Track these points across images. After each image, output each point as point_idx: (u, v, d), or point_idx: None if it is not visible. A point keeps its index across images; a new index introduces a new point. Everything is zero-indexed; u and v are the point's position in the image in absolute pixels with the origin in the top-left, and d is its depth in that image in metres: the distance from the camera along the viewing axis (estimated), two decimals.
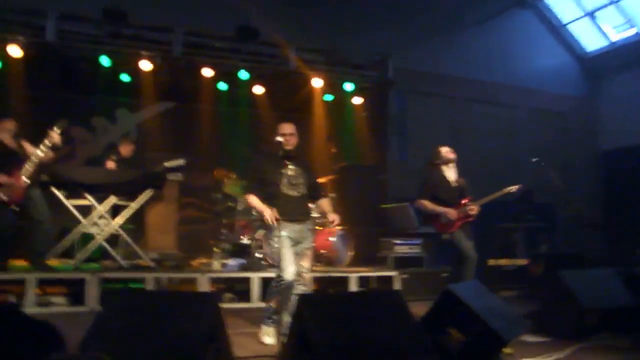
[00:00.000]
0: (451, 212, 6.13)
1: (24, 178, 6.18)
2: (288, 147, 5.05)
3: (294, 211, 4.98)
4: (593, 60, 13.33)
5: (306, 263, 5.06)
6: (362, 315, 3.14)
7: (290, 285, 4.80)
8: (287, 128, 5.11)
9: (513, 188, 6.23)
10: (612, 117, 12.81)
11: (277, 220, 4.86)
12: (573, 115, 13.19)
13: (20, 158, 6.28)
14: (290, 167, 5.05)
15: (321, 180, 8.22)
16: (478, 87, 12.09)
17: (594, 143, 13.20)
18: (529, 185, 9.69)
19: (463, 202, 6.21)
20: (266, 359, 4.01)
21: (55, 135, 6.26)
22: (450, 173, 6.41)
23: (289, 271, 4.77)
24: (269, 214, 4.83)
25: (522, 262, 8.26)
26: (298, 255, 4.98)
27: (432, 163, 6.46)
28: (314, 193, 5.25)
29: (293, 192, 5.01)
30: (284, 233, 4.89)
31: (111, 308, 3.07)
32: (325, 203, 5.32)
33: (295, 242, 4.98)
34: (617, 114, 12.58)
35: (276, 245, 4.92)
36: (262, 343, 4.78)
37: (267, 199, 4.99)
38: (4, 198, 6.11)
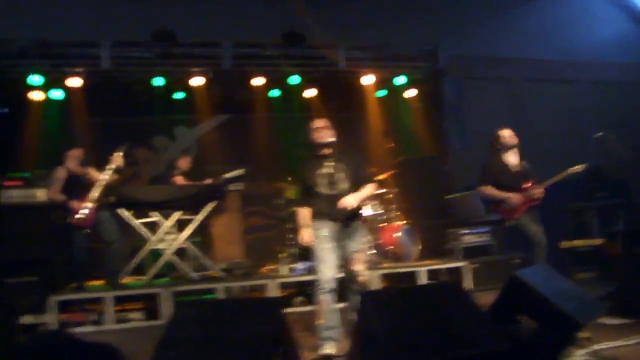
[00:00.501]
0: (514, 197, 5.96)
1: (92, 202, 6.44)
2: (323, 141, 4.76)
3: (333, 210, 4.66)
4: None
5: (359, 266, 4.71)
6: (426, 307, 3.09)
7: (331, 290, 4.54)
8: (319, 122, 4.86)
9: (578, 168, 6.00)
10: None
11: (318, 219, 4.72)
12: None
13: (87, 184, 6.57)
14: (326, 164, 4.76)
15: (381, 176, 8.24)
16: (536, 65, 11.73)
17: None
18: (598, 162, 9.36)
19: (526, 186, 6.02)
20: (335, 359, 4.00)
21: (117, 158, 6.52)
22: (512, 157, 6.23)
23: (328, 275, 4.54)
24: (304, 236, 4.72)
25: (597, 242, 7.94)
26: (347, 259, 4.72)
27: (493, 148, 6.29)
28: (361, 184, 4.85)
29: (331, 191, 4.72)
30: (323, 232, 4.67)
31: (178, 319, 3.14)
32: (366, 188, 4.86)
33: (339, 242, 4.73)
34: None
35: (316, 247, 4.69)
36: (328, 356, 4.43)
37: (309, 202, 4.83)
38: (77, 222, 6.38)
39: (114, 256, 6.75)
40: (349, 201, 4.64)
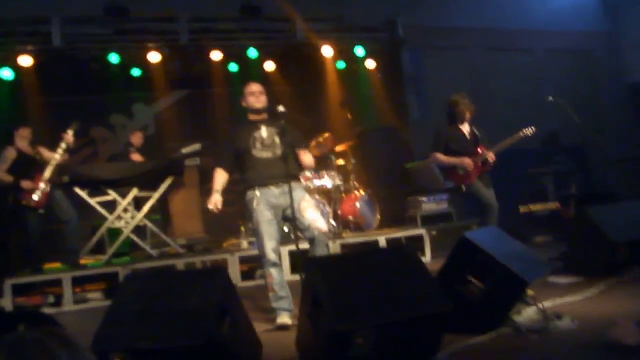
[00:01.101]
0: (466, 162, 5.99)
1: (45, 182, 6.32)
2: (257, 105, 4.67)
3: (267, 174, 4.55)
4: None
5: (309, 213, 4.54)
6: (371, 272, 3.12)
7: (274, 263, 4.45)
8: (254, 86, 4.74)
9: (527, 131, 6.02)
10: (636, 48, 12.38)
11: (252, 188, 4.58)
12: (596, 52, 12.80)
13: (39, 163, 6.45)
14: (263, 128, 4.66)
15: (340, 146, 8.27)
16: (494, 35, 11.79)
17: (620, 77, 12.79)
18: (554, 127, 9.53)
19: (479, 151, 6.06)
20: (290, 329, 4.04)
21: (68, 137, 6.40)
22: (465, 126, 6.25)
23: (269, 247, 4.44)
24: (211, 202, 4.61)
25: (553, 205, 8.11)
26: (295, 213, 4.46)
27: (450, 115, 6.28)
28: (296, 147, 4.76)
29: (266, 154, 4.59)
30: (260, 205, 4.52)
31: (124, 292, 3.13)
32: (301, 155, 4.76)
33: (280, 208, 4.59)
34: None
35: (255, 220, 4.54)
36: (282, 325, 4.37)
37: (241, 168, 4.70)
38: (30, 203, 6.27)
39: (71, 235, 6.66)
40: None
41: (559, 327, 3.52)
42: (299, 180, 4.91)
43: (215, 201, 4.63)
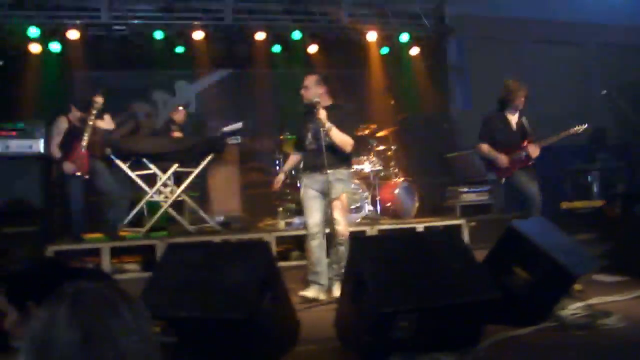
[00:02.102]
0: (502, 159, 5.88)
1: (83, 148, 6.35)
2: (307, 100, 5.02)
3: (312, 162, 5.01)
4: None
5: (337, 214, 4.83)
6: (418, 254, 3.06)
7: (317, 236, 4.86)
8: (307, 80, 5.12)
9: (579, 128, 5.87)
10: None
11: (303, 173, 5.19)
12: None
13: (81, 132, 6.46)
14: (314, 119, 4.93)
15: (382, 132, 8.19)
16: (543, 27, 11.49)
17: None
18: (603, 124, 9.27)
19: (524, 144, 5.91)
20: (328, 307, 4.00)
21: (98, 99, 6.37)
22: (514, 115, 6.12)
23: (311, 221, 4.93)
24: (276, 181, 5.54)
25: (597, 203, 7.90)
26: (329, 208, 4.89)
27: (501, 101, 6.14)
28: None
29: (312, 146, 5.04)
30: (307, 186, 5.04)
31: (167, 263, 3.13)
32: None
33: (321, 192, 4.98)
34: None
35: (302, 198, 5.09)
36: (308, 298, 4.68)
37: (298, 154, 5.39)
38: (73, 169, 6.32)
39: (113, 206, 6.72)
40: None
41: (606, 325, 3.41)
42: (342, 169, 5.07)
43: (277, 180, 5.59)
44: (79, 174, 6.36)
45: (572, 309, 3.65)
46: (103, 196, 6.72)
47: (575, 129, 5.91)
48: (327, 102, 5.05)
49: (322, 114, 4.82)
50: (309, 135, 5.06)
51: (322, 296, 4.73)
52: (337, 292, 4.54)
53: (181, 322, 2.73)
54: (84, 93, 7.86)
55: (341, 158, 5.03)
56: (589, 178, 8.67)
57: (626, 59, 11.94)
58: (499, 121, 6.05)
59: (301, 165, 5.34)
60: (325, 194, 4.94)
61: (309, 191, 5.01)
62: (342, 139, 4.92)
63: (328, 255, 5.00)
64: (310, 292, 4.73)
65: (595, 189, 8.42)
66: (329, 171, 4.80)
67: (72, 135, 6.48)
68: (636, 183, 8.58)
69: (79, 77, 8.94)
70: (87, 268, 2.74)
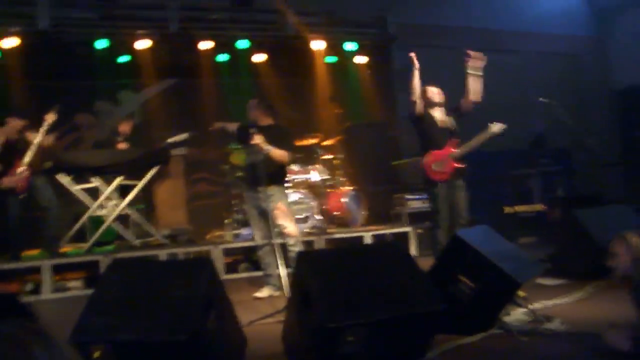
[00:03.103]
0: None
1: (25, 166, 6.17)
2: (253, 119, 5.53)
3: (248, 179, 5.50)
4: None
5: (280, 221, 5.27)
6: (363, 268, 3.06)
7: (264, 247, 5.42)
8: (251, 102, 5.63)
9: (496, 127, 5.65)
10: (624, 55, 12.42)
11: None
12: (583, 56, 12.83)
13: (23, 149, 6.28)
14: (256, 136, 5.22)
15: (328, 141, 8.21)
16: (483, 35, 11.72)
17: (607, 83, 12.83)
18: (541, 130, 9.54)
19: (451, 142, 5.82)
20: (274, 322, 3.96)
21: (50, 117, 6.22)
22: (438, 113, 5.94)
23: (257, 234, 5.48)
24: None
25: (539, 207, 8.10)
26: (271, 219, 5.28)
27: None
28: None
29: (252, 159, 5.36)
30: (246, 200, 5.59)
31: (108, 280, 3.04)
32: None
33: (260, 209, 5.35)
34: (629, 52, 12.19)
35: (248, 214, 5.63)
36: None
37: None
38: (11, 187, 6.11)
39: (52, 222, 6.53)
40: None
41: (548, 330, 3.49)
42: (279, 183, 5.50)
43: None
44: (18, 194, 6.16)
45: (516, 315, 3.74)
46: (43, 212, 6.52)
47: (493, 130, 5.64)
48: (266, 122, 5.50)
49: (258, 139, 5.16)
50: (247, 150, 5.48)
51: (275, 293, 5.30)
52: None
53: (122, 344, 2.66)
54: (23, 104, 7.62)
55: (274, 174, 5.35)
56: (530, 182, 8.88)
57: (560, 66, 12.34)
58: (427, 117, 5.91)
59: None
60: (264, 209, 5.31)
61: (249, 208, 5.53)
62: (279, 155, 5.30)
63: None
64: (264, 292, 5.35)
65: (536, 193, 8.62)
66: (260, 189, 5.26)
67: (10, 150, 6.26)
68: (575, 187, 8.84)
69: (17, 86, 8.63)
70: (4, 296, 2.60)
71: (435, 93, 5.88)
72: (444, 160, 5.72)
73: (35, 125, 6.51)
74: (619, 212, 5.55)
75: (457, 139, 5.83)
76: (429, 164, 5.77)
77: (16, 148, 6.28)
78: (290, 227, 5.32)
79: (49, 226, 6.52)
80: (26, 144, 6.30)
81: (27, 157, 6.19)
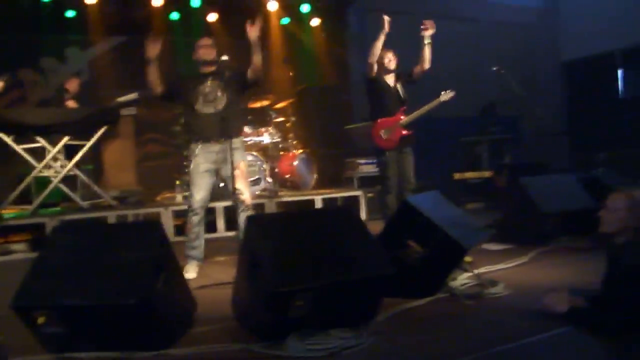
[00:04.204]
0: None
1: None
2: (208, 57, 4.82)
3: (208, 129, 4.72)
4: None
5: (239, 184, 4.74)
6: (313, 232, 3.07)
7: (197, 213, 4.77)
8: (205, 40, 4.96)
9: (446, 95, 5.77)
10: (573, 27, 12.64)
11: (195, 142, 4.80)
12: (535, 27, 13.00)
13: None
14: (208, 82, 4.76)
15: (280, 103, 8.15)
16: (439, 2, 11.78)
17: (556, 54, 13.08)
18: (492, 98, 9.67)
19: (401, 109, 5.89)
20: (224, 286, 3.96)
21: None
22: (390, 79, 5.95)
23: (197, 197, 4.75)
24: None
25: (486, 174, 8.27)
26: (227, 179, 4.82)
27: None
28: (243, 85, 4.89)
29: (208, 109, 4.72)
30: (198, 157, 4.77)
31: (50, 246, 2.97)
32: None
33: (216, 165, 4.80)
34: (578, 24, 12.41)
35: (190, 170, 4.83)
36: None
37: (186, 122, 5.07)
38: None
39: None
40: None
41: (493, 294, 3.60)
42: (239, 138, 4.98)
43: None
44: None
45: (462, 279, 3.83)
46: None
47: (443, 95, 5.80)
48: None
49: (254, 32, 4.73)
50: (201, 99, 4.73)
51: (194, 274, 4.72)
52: None
53: (68, 310, 2.62)
54: None
55: (238, 124, 4.98)
56: (479, 149, 9.02)
57: (512, 36, 12.48)
58: (380, 82, 5.93)
59: (191, 132, 4.90)
60: (219, 168, 4.81)
61: (201, 165, 4.76)
62: (259, 62, 4.82)
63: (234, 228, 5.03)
64: (190, 273, 4.67)
65: (485, 160, 8.78)
66: (222, 140, 4.71)
67: None
68: (523, 155, 9.04)
69: None
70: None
71: (390, 59, 5.90)
72: (392, 127, 5.79)
73: None
74: (563, 181, 5.71)
75: (406, 106, 5.90)
76: (378, 131, 5.84)
77: None
78: (245, 194, 4.80)
79: None
80: None
81: None
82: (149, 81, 4.81)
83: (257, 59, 4.81)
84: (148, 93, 7.31)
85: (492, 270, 4.28)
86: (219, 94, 4.74)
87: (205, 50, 4.85)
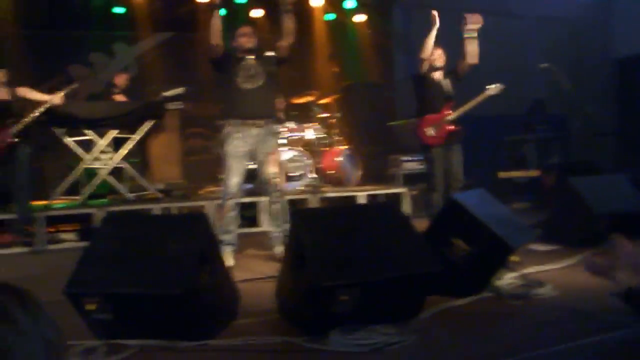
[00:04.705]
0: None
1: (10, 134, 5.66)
2: (249, 45, 4.85)
3: (250, 108, 4.72)
4: None
5: (271, 169, 4.80)
6: (359, 227, 3.05)
7: (233, 197, 4.75)
8: (246, 28, 4.99)
9: (493, 89, 5.71)
10: (626, 23, 12.27)
11: (230, 124, 4.76)
12: (585, 22, 12.67)
13: (12, 109, 5.78)
14: (248, 58, 4.80)
15: (325, 99, 8.15)
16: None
17: (607, 50, 12.71)
18: (540, 96, 9.49)
19: (448, 105, 5.80)
20: (268, 280, 3.98)
21: (56, 99, 5.89)
22: (438, 76, 5.91)
23: (233, 181, 4.72)
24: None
25: (534, 173, 8.12)
26: (260, 163, 4.83)
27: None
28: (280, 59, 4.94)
29: (249, 85, 4.73)
30: (237, 141, 4.73)
31: (100, 235, 3.03)
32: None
33: (252, 147, 4.79)
34: (630, 20, 12.04)
35: (227, 153, 4.78)
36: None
37: (225, 97, 4.91)
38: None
39: (21, 206, 5.94)
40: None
41: (540, 294, 3.52)
42: (276, 121, 5.11)
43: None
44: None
45: (508, 279, 3.76)
46: (16, 187, 5.84)
47: (489, 90, 5.73)
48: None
49: None
50: (242, 74, 4.73)
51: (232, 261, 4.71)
52: (279, 250, 4.74)
53: (117, 297, 2.66)
54: (15, 55, 7.49)
55: (274, 108, 5.04)
56: (526, 148, 8.87)
57: (562, 32, 12.20)
58: (428, 78, 5.90)
59: (229, 109, 4.85)
60: (256, 150, 4.80)
61: (240, 149, 4.73)
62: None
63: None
64: (227, 260, 4.53)
65: (532, 159, 8.62)
66: (263, 122, 4.76)
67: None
68: (571, 155, 8.84)
69: (7, 36, 8.45)
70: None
71: (439, 56, 5.86)
72: (439, 124, 5.74)
73: (30, 77, 6.37)
74: (613, 181, 5.55)
75: (452, 102, 5.84)
76: (424, 128, 5.79)
77: (7, 107, 5.74)
78: (278, 177, 4.89)
79: (19, 207, 5.94)
80: (17, 100, 5.83)
81: (18, 126, 5.72)
82: (212, 31, 4.80)
83: (288, 23, 4.85)
84: (194, 88, 7.50)
85: (540, 271, 4.19)
86: (259, 70, 4.77)
87: (247, 38, 4.88)
